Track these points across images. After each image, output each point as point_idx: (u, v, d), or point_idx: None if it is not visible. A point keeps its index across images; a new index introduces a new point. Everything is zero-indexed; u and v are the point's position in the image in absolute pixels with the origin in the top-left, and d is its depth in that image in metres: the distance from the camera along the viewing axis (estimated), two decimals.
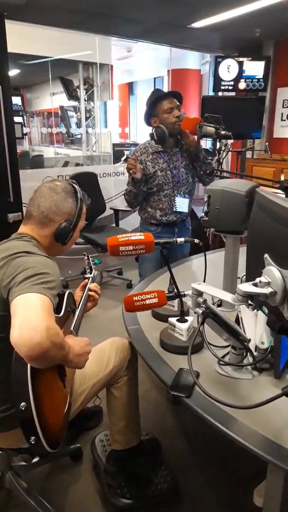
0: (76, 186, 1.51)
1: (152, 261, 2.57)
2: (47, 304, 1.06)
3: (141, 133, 9.29)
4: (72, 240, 1.48)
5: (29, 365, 1.06)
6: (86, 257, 1.88)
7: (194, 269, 2.27)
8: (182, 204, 2.54)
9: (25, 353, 0.97)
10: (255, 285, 0.98)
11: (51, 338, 0.99)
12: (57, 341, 1.02)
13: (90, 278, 1.77)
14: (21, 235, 1.39)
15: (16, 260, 1.20)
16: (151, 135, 2.43)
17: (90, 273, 1.81)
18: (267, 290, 0.95)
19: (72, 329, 1.44)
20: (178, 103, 2.43)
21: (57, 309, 1.28)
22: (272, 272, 0.95)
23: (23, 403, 1.06)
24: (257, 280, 0.97)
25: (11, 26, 3.43)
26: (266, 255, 0.99)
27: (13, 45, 3.52)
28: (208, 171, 2.09)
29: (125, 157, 5.08)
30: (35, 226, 1.41)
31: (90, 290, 1.72)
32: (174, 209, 2.52)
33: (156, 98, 2.43)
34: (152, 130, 2.41)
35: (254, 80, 4.61)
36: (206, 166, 2.64)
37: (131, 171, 2.32)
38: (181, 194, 2.53)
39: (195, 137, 2.46)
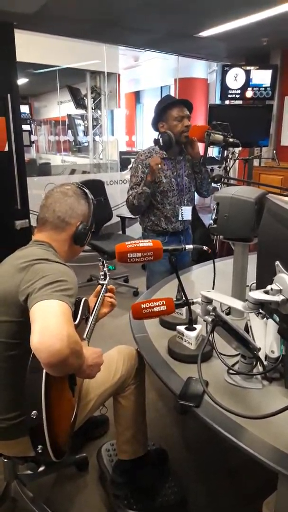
0: (85, 188, 1.54)
1: (162, 274, 2.46)
2: (67, 312, 1.06)
3: (147, 141, 9.35)
4: (88, 240, 1.52)
5: (44, 375, 1.05)
6: (101, 263, 1.86)
7: (201, 277, 2.25)
8: (187, 212, 2.53)
9: (45, 360, 0.96)
10: (267, 292, 0.97)
11: (71, 346, 0.98)
12: (77, 349, 1.02)
13: (104, 285, 1.75)
14: (39, 242, 1.40)
15: (35, 267, 1.21)
16: (156, 141, 2.40)
17: (105, 280, 1.78)
18: (278, 298, 0.94)
19: (84, 337, 1.43)
20: (188, 113, 2.42)
21: (73, 317, 1.27)
22: (284, 279, 0.94)
23: (34, 412, 1.05)
24: (269, 287, 0.96)
25: (20, 36, 3.47)
26: (277, 262, 0.98)
27: (22, 54, 3.56)
28: (215, 179, 2.08)
29: (131, 164, 5.09)
30: (52, 232, 1.43)
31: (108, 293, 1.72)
32: (180, 218, 2.50)
33: (168, 104, 2.42)
34: (158, 136, 2.39)
35: (261, 88, 4.62)
36: (207, 185, 2.63)
37: (157, 168, 2.29)
38: (184, 203, 2.52)
39: (200, 150, 2.45)
